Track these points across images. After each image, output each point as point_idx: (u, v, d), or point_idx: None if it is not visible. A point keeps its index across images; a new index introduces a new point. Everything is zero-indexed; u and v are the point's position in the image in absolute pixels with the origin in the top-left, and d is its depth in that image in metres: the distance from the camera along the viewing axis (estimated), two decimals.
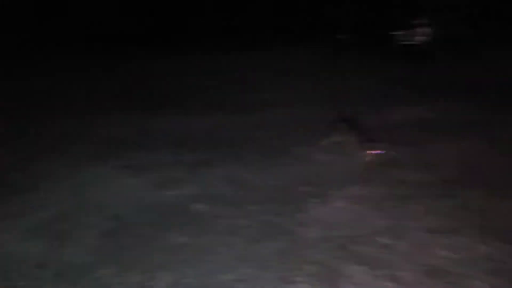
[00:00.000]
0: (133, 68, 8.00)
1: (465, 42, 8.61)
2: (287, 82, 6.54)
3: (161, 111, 5.36)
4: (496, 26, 8.84)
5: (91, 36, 10.04)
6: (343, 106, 5.28)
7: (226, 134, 4.51)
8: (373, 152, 3.59)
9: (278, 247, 2.63)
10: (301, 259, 2.52)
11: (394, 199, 3.14)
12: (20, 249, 2.71)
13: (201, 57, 8.38)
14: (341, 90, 6.06)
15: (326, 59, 8.08)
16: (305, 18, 9.83)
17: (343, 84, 6.40)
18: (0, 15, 9.80)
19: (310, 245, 2.65)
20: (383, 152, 3.58)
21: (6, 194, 3.36)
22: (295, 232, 2.78)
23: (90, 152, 4.14)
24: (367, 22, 8.07)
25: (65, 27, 10.22)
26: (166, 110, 5.38)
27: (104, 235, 2.81)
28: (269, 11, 10.50)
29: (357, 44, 8.27)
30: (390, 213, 2.98)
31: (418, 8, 7.74)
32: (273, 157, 3.87)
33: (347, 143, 3.91)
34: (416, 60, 7.64)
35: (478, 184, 3.31)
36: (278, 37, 9.92)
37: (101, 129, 4.77)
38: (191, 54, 8.90)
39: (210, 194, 3.27)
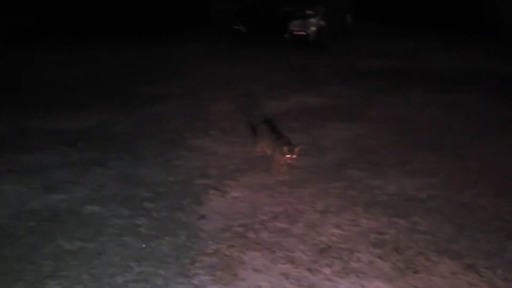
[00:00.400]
0: (16, 60, 7.26)
1: (353, 33, 9.26)
2: (185, 74, 6.44)
3: (47, 107, 4.92)
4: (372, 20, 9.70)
5: None
6: (240, 96, 5.39)
7: (121, 129, 4.32)
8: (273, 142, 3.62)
9: (176, 242, 2.59)
10: (200, 252, 2.52)
11: (289, 185, 3.28)
12: None
13: (90, 53, 7.87)
14: (238, 80, 6.13)
15: (223, 50, 8.13)
16: (201, 10, 9.77)
17: (240, 73, 6.48)
18: None
19: (210, 237, 2.66)
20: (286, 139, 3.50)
21: None
22: (194, 225, 2.77)
23: None
24: (262, 13, 8.22)
25: None
26: (53, 106, 4.97)
27: None
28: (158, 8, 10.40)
29: (252, 34, 8.42)
30: (285, 199, 3.10)
31: None
32: (170, 151, 3.80)
33: (245, 133, 3.99)
34: (308, 50, 8.00)
35: (365, 166, 3.58)
36: (174, 30, 9.73)
37: None
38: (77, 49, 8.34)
39: (103, 194, 3.11)
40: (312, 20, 7.98)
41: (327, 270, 2.40)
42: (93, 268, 2.37)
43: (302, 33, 7.98)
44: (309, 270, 2.40)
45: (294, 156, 3.28)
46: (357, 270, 2.40)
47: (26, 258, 2.45)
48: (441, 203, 3.05)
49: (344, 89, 5.72)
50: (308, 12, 7.93)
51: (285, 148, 3.27)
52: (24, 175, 3.36)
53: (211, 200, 3.07)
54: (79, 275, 2.31)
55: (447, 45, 8.59)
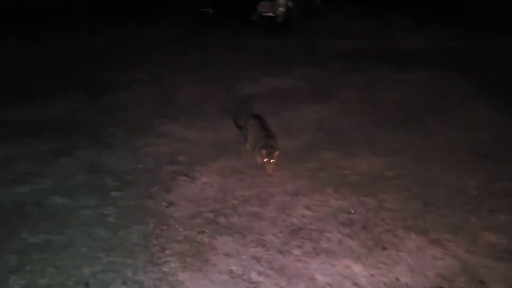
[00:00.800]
0: None
1: (321, 14, 9.23)
2: (151, 59, 6.30)
3: (8, 98, 4.73)
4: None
5: None
6: (209, 79, 5.32)
7: (87, 118, 4.21)
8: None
9: (146, 231, 2.56)
10: (170, 239, 2.50)
11: (259, 168, 3.26)
12: None
13: (46, 40, 7.56)
14: (207, 63, 6.05)
15: (191, 33, 7.98)
16: None
17: (208, 57, 6.39)
18: None
19: (180, 224, 2.63)
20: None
21: None
22: (164, 213, 2.74)
23: None
24: None
25: None
26: (14, 96, 4.78)
27: None
28: None
29: (220, 16, 8.30)
30: (256, 182, 3.10)
31: None
32: (138, 138, 3.73)
33: (214, 117, 3.95)
34: (277, 31, 7.95)
35: (335, 146, 3.61)
36: (137, 13, 9.46)
37: None
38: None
39: (70, 185, 3.04)
40: (280, 1, 7.91)
41: (298, 251, 2.42)
42: (59, 261, 2.31)
43: (270, 14, 7.91)
44: (280, 252, 2.42)
45: (272, 161, 3.09)
46: (327, 249, 2.43)
47: None
48: (408, 180, 3.11)
49: (313, 70, 5.73)
50: None
51: (264, 152, 3.09)
52: None
53: (180, 186, 3.04)
54: (44, 269, 2.26)
55: (413, 24, 8.68)
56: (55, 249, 2.41)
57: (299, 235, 2.55)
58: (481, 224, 2.62)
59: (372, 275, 2.25)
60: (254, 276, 2.26)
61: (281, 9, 7.91)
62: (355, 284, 2.20)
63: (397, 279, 2.23)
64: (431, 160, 3.37)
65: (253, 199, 2.91)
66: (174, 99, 4.72)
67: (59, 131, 3.89)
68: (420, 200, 2.86)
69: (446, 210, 2.75)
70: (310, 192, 2.97)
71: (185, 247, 2.44)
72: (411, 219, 2.67)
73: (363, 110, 4.42)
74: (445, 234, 2.53)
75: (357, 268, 2.30)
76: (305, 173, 3.22)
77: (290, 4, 7.99)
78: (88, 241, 2.47)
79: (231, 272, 2.28)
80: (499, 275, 2.24)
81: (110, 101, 4.64)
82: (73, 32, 7.81)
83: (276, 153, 3.10)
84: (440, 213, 2.73)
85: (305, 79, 5.36)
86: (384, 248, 2.43)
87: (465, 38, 7.26)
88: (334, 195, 2.94)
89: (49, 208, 2.80)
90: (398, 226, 2.61)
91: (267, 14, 7.88)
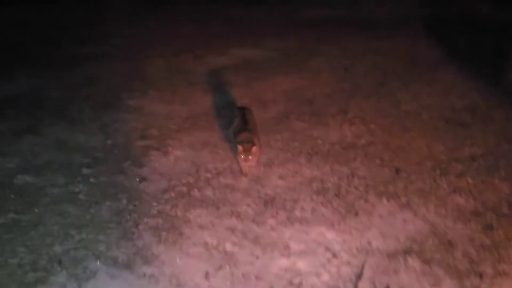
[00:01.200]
0: None
1: None
2: (116, 32, 6.08)
3: None
4: None
5: None
6: (178, 52, 5.19)
7: (52, 94, 4.06)
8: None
9: (118, 207, 2.52)
10: (144, 214, 2.47)
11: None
12: None
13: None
14: (175, 35, 5.89)
15: (156, 3, 7.72)
16: None
17: (176, 28, 6.23)
18: None
19: (153, 199, 2.61)
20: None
21: None
22: (136, 188, 2.70)
23: None
24: None
25: None
26: None
27: None
28: None
29: None
30: (229, 155, 3.07)
31: None
32: (106, 114, 3.63)
33: (184, 90, 3.87)
34: (247, 0, 7.79)
35: (307, 116, 3.60)
36: None
37: None
38: None
39: (37, 163, 2.95)
40: None
41: (272, 221, 2.44)
42: (29, 240, 2.27)
43: None
44: (255, 222, 2.43)
45: (250, 157, 2.69)
46: (300, 218, 2.46)
47: None
48: (379, 148, 3.15)
49: (284, 40, 5.66)
50: None
51: (240, 148, 2.69)
52: None
53: (152, 161, 2.99)
54: (14, 249, 2.21)
55: None
56: (25, 228, 2.36)
57: (273, 205, 2.56)
58: (450, 188, 2.69)
59: (345, 241, 2.30)
60: (229, 246, 2.27)
61: None
62: (328, 250, 2.24)
63: (369, 244, 2.28)
64: (402, 128, 3.42)
65: (226, 171, 2.90)
66: (143, 73, 4.60)
67: (23, 109, 3.75)
68: (391, 167, 2.91)
69: (416, 176, 2.81)
70: (283, 162, 2.98)
71: (159, 221, 2.43)
72: (382, 186, 2.72)
73: (335, 79, 4.41)
74: (415, 198, 2.59)
75: (330, 235, 2.34)
76: (278, 143, 3.22)
77: None
78: (58, 219, 2.42)
79: (206, 244, 2.28)
80: (466, 236, 2.32)
81: (75, 76, 4.48)
82: (33, 4, 7.45)
83: (255, 148, 2.70)
84: (411, 178, 2.79)
85: (277, 49, 5.30)
86: (357, 214, 2.47)
87: (435, 4, 7.29)
88: (307, 165, 2.95)
89: (16, 187, 2.72)
90: (370, 193, 2.65)
91: None
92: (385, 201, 2.58)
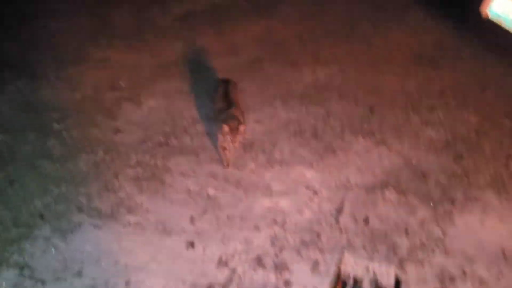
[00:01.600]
0: None
1: None
2: None
3: None
4: None
5: None
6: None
7: (10, 51, 3.82)
8: None
9: (95, 159, 2.49)
10: (122, 165, 2.45)
11: (206, 87, 3.19)
12: None
13: None
14: None
15: None
16: None
17: None
18: None
19: (131, 149, 2.58)
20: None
21: None
22: (112, 140, 2.65)
23: None
24: None
25: None
26: None
27: None
28: None
29: None
30: (204, 102, 3.03)
31: None
32: (71, 68, 3.47)
33: (151, 39, 3.73)
34: None
35: (280, 60, 3.56)
36: None
37: None
38: None
39: (4, 122, 2.82)
40: None
41: (252, 164, 2.47)
42: (7, 198, 2.23)
43: None
44: (235, 166, 2.45)
45: (237, 136, 2.33)
46: (280, 160, 2.50)
47: None
48: (353, 87, 3.17)
49: None
50: None
51: (225, 127, 2.31)
52: None
53: (126, 112, 2.92)
54: None
55: None
56: (0, 186, 2.30)
57: (252, 149, 2.58)
58: (422, 122, 2.77)
59: (324, 179, 2.36)
60: (211, 191, 2.30)
61: None
62: (309, 188, 2.30)
63: (348, 180, 2.35)
64: (374, 67, 3.44)
65: (203, 119, 2.87)
66: (107, 24, 4.38)
67: None
68: (365, 106, 2.96)
69: (390, 112, 2.87)
70: (259, 107, 2.98)
71: (138, 171, 2.41)
72: (358, 124, 2.77)
73: (306, 22, 4.33)
74: (389, 134, 2.67)
75: (309, 174, 2.40)
76: (253, 88, 3.19)
77: None
78: (34, 175, 2.38)
79: (189, 190, 2.30)
80: (438, 166, 2.43)
81: (34, 32, 4.22)
82: None
83: (242, 126, 2.37)
84: (384, 115, 2.85)
85: None
86: (334, 153, 2.53)
87: None
88: (283, 107, 2.96)
89: None
90: (346, 132, 2.70)
91: None
92: (360, 138, 2.64)
